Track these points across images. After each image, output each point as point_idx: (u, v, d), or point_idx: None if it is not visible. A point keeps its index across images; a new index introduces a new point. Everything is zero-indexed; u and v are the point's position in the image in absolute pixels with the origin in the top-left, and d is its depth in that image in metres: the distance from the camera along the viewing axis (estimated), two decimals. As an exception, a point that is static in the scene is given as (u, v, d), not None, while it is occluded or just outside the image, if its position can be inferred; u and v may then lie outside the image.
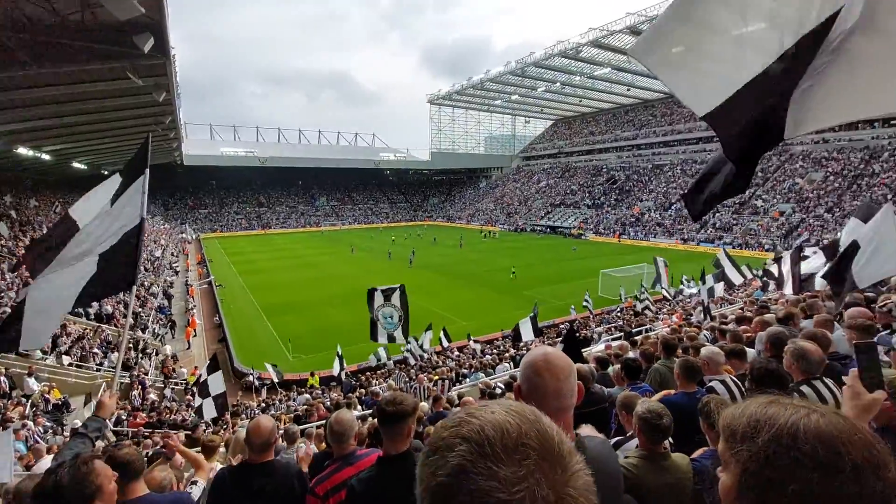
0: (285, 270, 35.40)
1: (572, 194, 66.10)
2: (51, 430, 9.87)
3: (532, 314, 13.33)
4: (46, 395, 11.61)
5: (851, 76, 1.56)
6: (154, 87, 16.04)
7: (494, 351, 15.55)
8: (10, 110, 15.39)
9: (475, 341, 17.02)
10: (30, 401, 10.87)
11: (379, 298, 11.05)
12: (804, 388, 2.60)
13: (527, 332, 12.87)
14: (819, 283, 7.85)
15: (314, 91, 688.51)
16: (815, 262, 8.45)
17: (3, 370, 11.44)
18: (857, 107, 1.60)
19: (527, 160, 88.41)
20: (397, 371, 14.33)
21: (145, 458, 2.54)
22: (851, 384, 1.18)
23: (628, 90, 66.82)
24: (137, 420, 11.10)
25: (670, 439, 2.32)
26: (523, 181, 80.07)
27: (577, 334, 8.52)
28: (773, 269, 10.79)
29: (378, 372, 15.36)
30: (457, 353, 16.01)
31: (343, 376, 14.10)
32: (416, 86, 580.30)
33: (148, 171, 3.35)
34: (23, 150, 22.39)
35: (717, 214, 43.85)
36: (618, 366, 4.56)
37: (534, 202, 70.48)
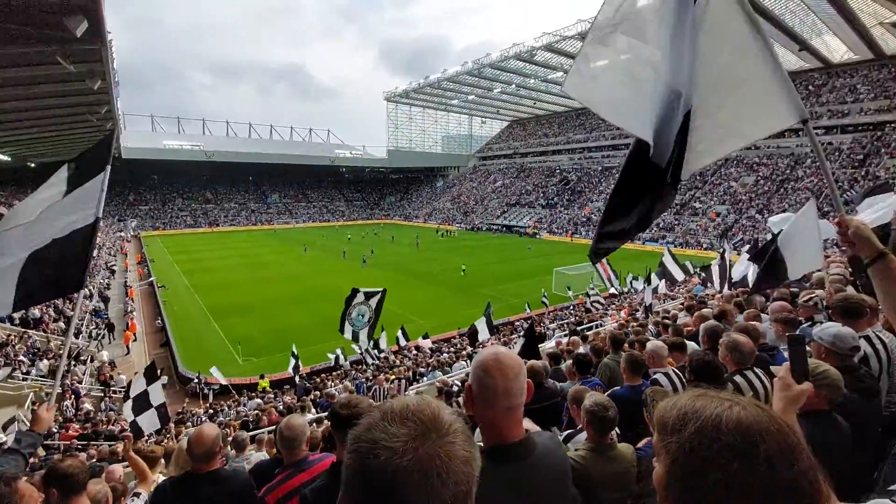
0: (234, 270, 33.95)
1: (527, 194, 67.57)
2: (-33, 448, 8.96)
3: (487, 313, 13.50)
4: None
5: (713, 121, 1.82)
6: (88, 73, 14.92)
7: (451, 349, 15.65)
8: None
9: (432, 341, 17.02)
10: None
11: (360, 297, 11.17)
12: (737, 378, 2.79)
13: (483, 331, 13.06)
14: (752, 279, 8.43)
15: (267, 84, 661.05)
16: (745, 260, 9.09)
17: None
18: (721, 146, 1.90)
19: (483, 160, 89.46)
20: (354, 372, 14.13)
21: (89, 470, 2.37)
22: (783, 376, 1.23)
23: (580, 94, 69.02)
24: (70, 432, 10.30)
25: (617, 430, 2.43)
26: (480, 181, 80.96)
27: (536, 331, 8.78)
28: (715, 266, 11.52)
29: (334, 373, 15.07)
30: (414, 351, 15.98)
31: (297, 378, 13.75)
32: (375, 83, 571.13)
33: (109, 167, 3.10)
34: (-68, 139, 20.23)
35: (662, 215, 46.22)
36: (570, 361, 4.72)
37: (490, 201, 71.46)
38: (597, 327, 13.76)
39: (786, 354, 3.23)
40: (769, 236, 6.49)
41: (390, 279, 30.38)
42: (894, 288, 1.34)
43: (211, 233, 61.58)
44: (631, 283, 20.85)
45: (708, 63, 1.79)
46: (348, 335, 11.41)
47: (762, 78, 1.69)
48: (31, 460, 3.24)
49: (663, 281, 14.95)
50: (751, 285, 8.52)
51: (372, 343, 14.73)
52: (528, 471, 1.15)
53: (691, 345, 4.14)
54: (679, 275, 15.07)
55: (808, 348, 2.89)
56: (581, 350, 5.67)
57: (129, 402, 7.38)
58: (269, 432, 6.05)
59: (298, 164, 78.67)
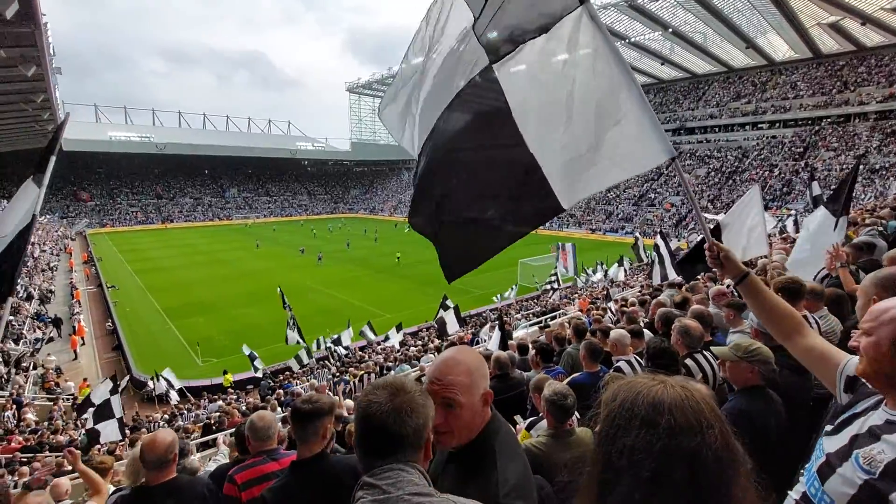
0: (191, 268, 32.59)
1: (492, 187, 68.00)
2: None
3: (444, 304, 13.49)
4: None
5: (596, 156, 1.89)
6: (21, 59, 13.86)
7: (419, 342, 15.64)
8: None
9: (405, 334, 16.83)
10: None
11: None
12: (688, 362, 2.94)
13: (451, 324, 13.13)
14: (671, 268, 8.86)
15: (226, 72, 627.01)
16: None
17: None
18: (606, 177, 1.94)
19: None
20: (319, 369, 13.92)
21: (10, 492, 2.22)
22: None
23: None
24: (12, 445, 9.63)
25: (577, 415, 2.51)
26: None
27: (505, 322, 8.89)
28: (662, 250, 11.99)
29: (299, 371, 14.77)
30: (383, 345, 15.86)
31: (261, 374, 13.49)
32: (340, 73, 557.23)
33: (54, 158, 2.79)
34: None
35: (620, 206, 47.82)
36: (534, 351, 4.82)
37: (455, 194, 71.56)
38: (561, 316, 14.11)
39: (727, 339, 3.42)
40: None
41: (354, 274, 30.03)
42: (759, 301, 1.55)
43: (164, 229, 58.77)
44: (587, 273, 21.52)
45: (586, 100, 1.86)
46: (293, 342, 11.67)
47: (636, 116, 1.78)
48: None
49: (622, 268, 15.55)
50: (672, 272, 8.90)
51: (332, 339, 14.68)
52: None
53: (647, 332, 4.31)
54: (645, 259, 15.89)
55: (748, 331, 3.06)
56: (544, 338, 5.80)
57: (92, 409, 7.33)
58: (231, 435, 5.86)
59: (258, 156, 76.06)
